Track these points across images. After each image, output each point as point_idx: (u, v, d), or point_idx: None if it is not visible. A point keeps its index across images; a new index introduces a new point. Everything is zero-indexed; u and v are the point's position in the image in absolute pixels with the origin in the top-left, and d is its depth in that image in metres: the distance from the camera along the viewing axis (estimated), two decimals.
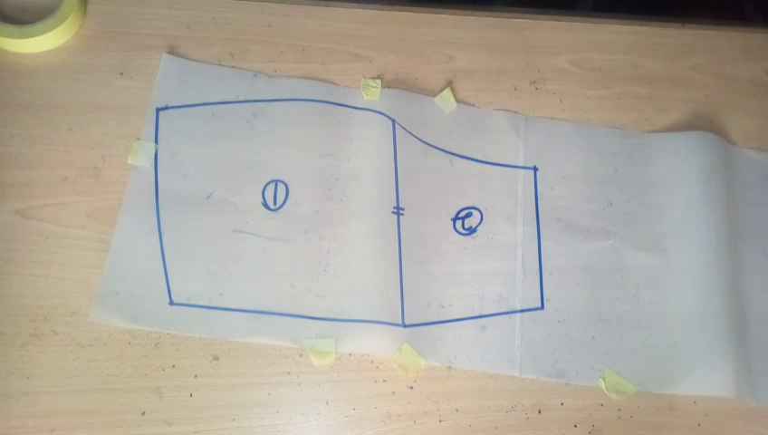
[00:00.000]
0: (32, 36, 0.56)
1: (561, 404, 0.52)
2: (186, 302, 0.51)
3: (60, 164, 0.54)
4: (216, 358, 0.50)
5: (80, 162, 0.54)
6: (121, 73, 0.57)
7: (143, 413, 0.48)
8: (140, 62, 0.58)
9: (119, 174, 0.54)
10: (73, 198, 0.53)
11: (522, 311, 0.54)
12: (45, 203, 0.52)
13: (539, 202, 0.58)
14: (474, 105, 0.61)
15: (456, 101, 0.60)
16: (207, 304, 0.51)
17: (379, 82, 0.59)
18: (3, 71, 0.56)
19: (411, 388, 0.51)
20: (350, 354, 0.51)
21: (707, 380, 0.52)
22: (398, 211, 0.55)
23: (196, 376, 0.49)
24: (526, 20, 0.65)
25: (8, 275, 0.50)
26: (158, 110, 0.56)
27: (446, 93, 0.60)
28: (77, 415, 0.47)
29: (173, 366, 0.49)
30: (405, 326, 0.52)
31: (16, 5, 0.59)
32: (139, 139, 0.55)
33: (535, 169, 0.59)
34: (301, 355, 0.51)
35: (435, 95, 0.60)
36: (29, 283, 0.50)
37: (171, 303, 0.51)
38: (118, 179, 0.54)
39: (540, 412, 0.51)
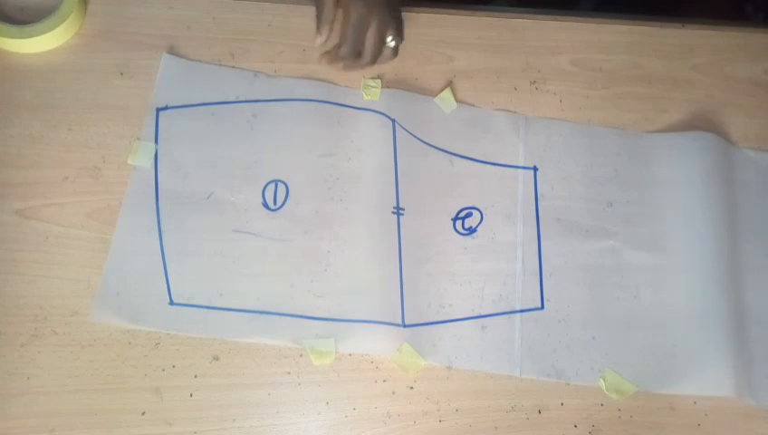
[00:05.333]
0: (32, 36, 0.56)
1: (561, 404, 0.52)
2: (186, 302, 0.51)
3: (60, 164, 0.54)
4: (216, 358, 0.50)
5: (80, 162, 0.54)
6: (121, 73, 0.57)
7: (143, 413, 0.48)
8: (140, 62, 0.58)
9: (119, 174, 0.54)
10: (73, 198, 0.53)
11: (522, 311, 0.54)
12: (45, 203, 0.52)
13: (539, 202, 0.58)
14: (474, 105, 0.61)
15: (456, 100, 0.60)
16: (207, 305, 0.51)
17: (378, 82, 0.59)
18: (3, 71, 0.56)
19: (411, 388, 0.51)
20: (350, 354, 0.51)
21: (707, 380, 0.52)
22: (398, 211, 0.55)
23: (196, 376, 0.49)
24: (526, 20, 0.65)
25: (8, 275, 0.50)
26: (158, 110, 0.56)
27: (446, 93, 0.60)
28: (77, 415, 0.47)
29: (173, 366, 0.49)
30: (405, 326, 0.52)
31: (16, 5, 0.59)
32: (139, 139, 0.55)
33: (535, 169, 0.59)
34: (301, 355, 0.51)
35: (435, 95, 0.60)
36: (29, 283, 0.50)
37: (171, 303, 0.51)
38: (118, 179, 0.54)
39: (540, 412, 0.51)
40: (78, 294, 0.50)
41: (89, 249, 0.51)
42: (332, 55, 0.54)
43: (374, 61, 0.55)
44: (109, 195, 0.53)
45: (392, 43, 0.55)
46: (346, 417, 0.50)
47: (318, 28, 0.54)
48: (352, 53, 0.54)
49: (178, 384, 0.49)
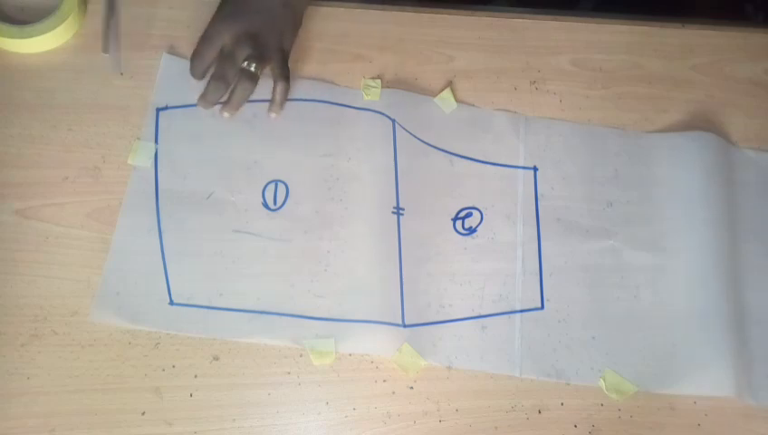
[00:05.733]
0: (32, 36, 0.56)
1: (561, 404, 0.52)
2: (185, 302, 0.51)
3: (60, 164, 0.54)
4: (216, 358, 0.50)
5: (80, 162, 0.54)
6: (121, 73, 0.57)
7: (143, 413, 0.48)
8: (140, 62, 0.58)
9: (119, 174, 0.54)
10: (73, 198, 0.53)
11: (522, 311, 0.54)
12: (45, 203, 0.52)
13: (539, 202, 0.58)
14: (474, 105, 0.61)
15: (456, 101, 0.60)
16: (207, 305, 0.51)
17: (378, 81, 0.59)
18: (3, 71, 0.56)
19: (411, 388, 0.51)
20: (350, 354, 0.51)
21: (707, 380, 0.52)
22: (398, 211, 0.55)
23: (196, 376, 0.49)
24: (526, 20, 0.65)
25: (8, 275, 0.50)
26: (157, 110, 0.56)
27: (446, 93, 0.60)
28: (77, 415, 0.47)
29: (173, 366, 0.49)
30: (405, 326, 0.52)
31: (16, 5, 0.59)
32: (139, 139, 0.55)
33: (535, 169, 0.59)
34: (301, 355, 0.51)
35: (435, 95, 0.60)
36: (29, 283, 0.50)
37: (171, 303, 0.51)
38: (118, 179, 0.54)
39: (540, 412, 0.51)
40: (78, 294, 0.50)
41: (89, 249, 0.51)
42: (211, 100, 0.52)
43: (223, 79, 0.52)
44: (109, 195, 0.53)
45: (251, 68, 0.52)
46: (346, 417, 0.50)
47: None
48: (199, 64, 0.53)
49: (178, 384, 0.49)
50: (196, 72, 0.54)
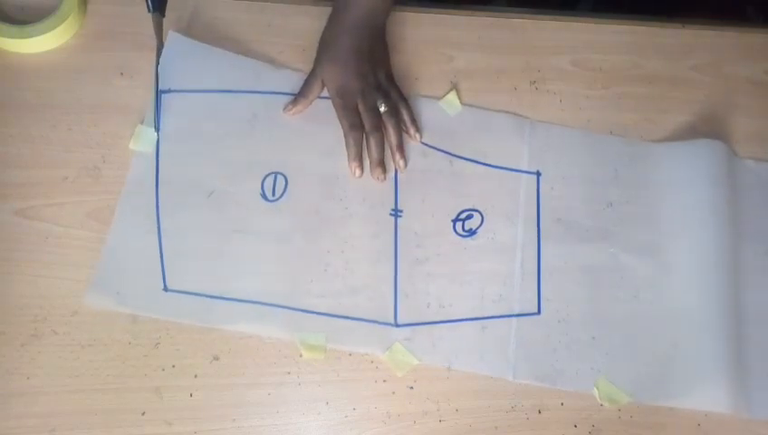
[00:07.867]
0: (32, 36, 0.56)
1: (561, 404, 0.52)
2: (180, 289, 0.51)
3: (60, 164, 0.54)
4: (216, 358, 0.50)
5: (80, 162, 0.54)
6: (121, 73, 0.57)
7: (143, 413, 0.48)
8: (140, 63, 0.58)
9: (119, 174, 0.54)
10: (73, 198, 0.53)
11: (519, 315, 0.54)
12: (45, 203, 0.52)
13: (540, 205, 0.57)
14: (475, 106, 0.60)
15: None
16: (202, 292, 0.51)
17: None
18: (3, 71, 0.56)
19: (411, 388, 0.51)
20: (350, 354, 0.51)
21: (704, 395, 0.51)
22: (395, 214, 0.55)
23: (196, 376, 0.49)
24: (526, 20, 0.65)
25: (8, 274, 0.50)
26: (161, 92, 0.56)
27: (452, 96, 0.60)
28: (77, 415, 0.47)
29: (173, 366, 0.49)
30: (397, 326, 0.52)
31: (16, 5, 0.59)
32: (141, 123, 0.55)
33: (538, 173, 0.59)
34: (301, 355, 0.51)
35: (435, 95, 0.60)
36: (29, 283, 0.50)
37: (165, 289, 0.50)
38: (118, 179, 0.54)
39: (540, 412, 0.51)
40: (78, 294, 0.50)
41: (89, 249, 0.51)
42: (354, 153, 0.55)
43: (377, 128, 0.55)
44: (108, 195, 0.53)
45: (382, 108, 0.55)
46: (346, 417, 0.50)
47: (294, 99, 0.57)
48: (352, 127, 0.55)
49: (178, 384, 0.49)
50: (293, 109, 0.57)
